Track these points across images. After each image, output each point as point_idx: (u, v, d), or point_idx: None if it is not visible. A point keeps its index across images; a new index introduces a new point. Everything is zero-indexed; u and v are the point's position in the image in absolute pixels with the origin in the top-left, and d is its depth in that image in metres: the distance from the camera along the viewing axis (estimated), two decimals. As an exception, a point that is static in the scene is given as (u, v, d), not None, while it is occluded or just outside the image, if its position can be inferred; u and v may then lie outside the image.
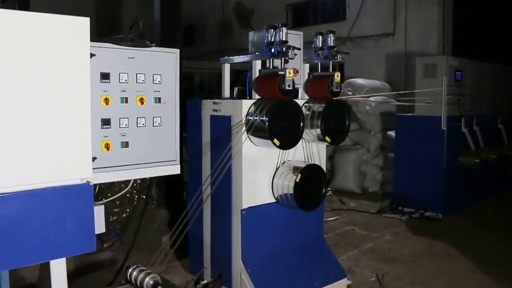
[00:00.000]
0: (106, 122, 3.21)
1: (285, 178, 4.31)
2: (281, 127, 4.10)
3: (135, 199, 6.86)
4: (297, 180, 4.19)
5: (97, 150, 3.16)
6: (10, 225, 2.38)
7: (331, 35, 4.46)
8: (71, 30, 2.56)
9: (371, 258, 5.62)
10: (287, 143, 4.19)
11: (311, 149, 4.65)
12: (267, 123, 3.97)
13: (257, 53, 4.28)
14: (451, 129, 7.18)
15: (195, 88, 13.32)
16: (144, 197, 6.91)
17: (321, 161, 4.74)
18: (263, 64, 4.32)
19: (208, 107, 4.56)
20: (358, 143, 9.27)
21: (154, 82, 3.41)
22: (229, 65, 4.66)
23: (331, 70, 4.50)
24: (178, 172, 3.61)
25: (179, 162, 3.61)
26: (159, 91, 3.43)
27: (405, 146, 7.63)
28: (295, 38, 4.48)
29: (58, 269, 2.76)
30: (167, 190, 6.10)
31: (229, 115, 4.30)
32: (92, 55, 2.98)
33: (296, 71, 4.44)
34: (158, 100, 3.43)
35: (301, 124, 4.24)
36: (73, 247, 2.71)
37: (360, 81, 9.31)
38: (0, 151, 2.32)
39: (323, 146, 4.79)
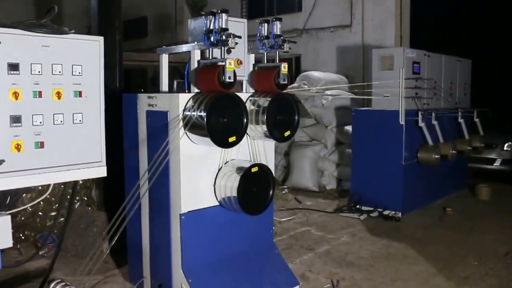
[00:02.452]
0: (16, 120, 2.77)
1: (228, 179, 3.93)
2: (221, 123, 3.71)
3: (75, 201, 6.35)
4: (241, 181, 3.81)
5: (6, 151, 2.74)
6: None
7: (278, 22, 4.08)
8: None
9: (326, 262, 5.29)
10: (230, 140, 3.80)
11: (257, 147, 4.27)
12: (205, 119, 3.57)
13: (195, 43, 3.86)
14: (409, 124, 6.94)
15: (148, 83, 12.80)
16: (85, 198, 6.46)
17: (269, 160, 4.37)
18: (203, 54, 3.92)
19: (144, 102, 4.14)
20: (315, 138, 8.97)
21: (73, 73, 2.98)
22: (167, 55, 4.23)
23: (277, 61, 4.12)
24: (104, 175, 3.20)
25: (105, 164, 3.18)
26: (79, 84, 3.01)
27: (362, 141, 7.35)
28: (238, 26, 4.09)
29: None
30: (108, 191, 5.61)
31: (166, 111, 3.89)
32: None
33: (240, 62, 4.06)
34: (79, 94, 3.01)
35: (245, 120, 3.85)
36: None
37: (316, 74, 9.00)
38: None
39: (270, 144, 4.43)
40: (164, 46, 4.24)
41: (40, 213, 6.07)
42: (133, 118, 4.24)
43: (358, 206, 7.24)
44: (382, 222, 6.80)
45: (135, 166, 4.25)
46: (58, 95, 2.90)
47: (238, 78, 4.15)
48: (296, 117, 4.21)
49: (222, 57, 3.68)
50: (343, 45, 10.95)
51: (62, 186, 6.57)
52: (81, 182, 6.58)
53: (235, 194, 3.82)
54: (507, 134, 9.83)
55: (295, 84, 8.90)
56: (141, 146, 4.19)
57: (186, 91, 4.02)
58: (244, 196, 3.85)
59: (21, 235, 5.76)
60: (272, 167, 4.38)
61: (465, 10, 10.43)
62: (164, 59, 4.22)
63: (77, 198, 6.36)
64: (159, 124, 3.93)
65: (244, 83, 4.28)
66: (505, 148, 9.68)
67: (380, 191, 7.15)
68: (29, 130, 2.80)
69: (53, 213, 6.05)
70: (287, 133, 4.17)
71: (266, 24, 4.14)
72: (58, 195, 6.43)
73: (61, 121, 2.92)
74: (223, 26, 3.62)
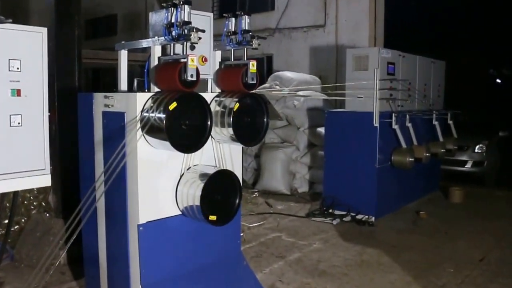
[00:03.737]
0: None
1: (190, 187, 3.61)
2: (182, 125, 3.40)
3: (33, 207, 5.95)
4: (204, 189, 3.50)
5: None
6: None
7: (246, 17, 3.79)
8: None
9: (298, 271, 5.02)
10: (191, 145, 3.49)
11: (223, 151, 3.97)
12: (164, 122, 3.25)
13: (156, 37, 3.55)
14: (383, 126, 6.75)
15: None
16: (43, 204, 6.06)
17: (236, 165, 4.07)
18: (164, 50, 3.60)
19: (100, 102, 3.79)
20: (287, 140, 8.71)
21: (10, 69, 2.64)
22: (126, 52, 3.90)
23: (245, 58, 3.83)
24: (48, 184, 2.88)
25: (49, 172, 2.85)
26: (18, 81, 2.67)
27: (335, 143, 7.12)
28: (203, 20, 3.79)
29: None
30: (65, 196, 5.23)
31: (123, 111, 3.55)
32: None
33: (204, 59, 3.77)
34: (17, 92, 2.67)
35: (208, 122, 3.55)
36: None
37: (288, 74, 8.74)
38: None
39: (237, 147, 4.13)
40: (122, 42, 3.90)
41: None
42: (89, 119, 3.89)
43: (330, 210, 7.01)
44: (355, 227, 6.58)
45: (91, 171, 3.90)
46: (-8, 94, 2.56)
47: (202, 76, 3.84)
48: (265, 119, 3.92)
49: (185, 53, 3.37)
50: (316, 45, 10.73)
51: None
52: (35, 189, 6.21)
53: (198, 203, 3.51)
54: (478, 135, 9.78)
55: (266, 85, 8.64)
56: (96, 150, 3.84)
57: (146, 91, 3.70)
58: (208, 205, 3.55)
59: (-31, 244, 5.32)
60: (239, 173, 4.09)
61: (439, 12, 10.34)
62: (123, 56, 3.88)
63: (34, 203, 5.96)
64: (116, 126, 3.59)
65: (209, 82, 3.98)
66: (476, 150, 9.61)
67: (353, 195, 6.93)
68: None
69: (6, 221, 5.64)
70: (255, 137, 3.88)
71: (233, 19, 3.84)
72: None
73: (-4, 124, 2.59)
74: (186, 19, 3.31)
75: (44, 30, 2.75)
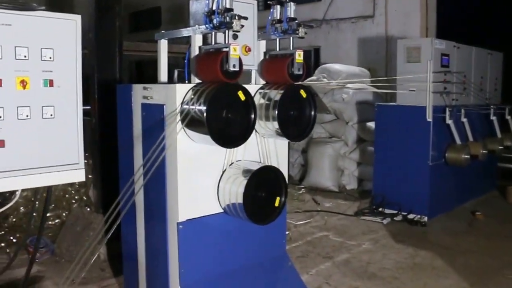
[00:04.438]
0: (-32, 113, 2.30)
1: (233, 183, 3.42)
2: (224, 119, 3.20)
3: (74, 201, 5.93)
4: (248, 186, 3.30)
5: None
6: None
7: (292, 4, 3.54)
8: None
9: (346, 273, 4.76)
10: (233, 139, 3.29)
11: (267, 146, 3.75)
12: (205, 114, 3.06)
13: (196, 26, 3.36)
14: (437, 121, 6.35)
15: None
16: (85, 198, 6.02)
17: (281, 161, 3.85)
18: (205, 40, 3.42)
19: (139, 94, 3.65)
20: (335, 135, 8.41)
21: (42, 59, 2.49)
22: (166, 41, 3.75)
23: (291, 48, 3.59)
24: (83, 179, 2.73)
25: (83, 166, 2.71)
26: (50, 71, 2.52)
27: (385, 139, 6.78)
28: (247, 8, 3.59)
29: None
30: (105, 191, 5.15)
31: (162, 103, 3.39)
32: None
33: (248, 49, 3.57)
34: (49, 83, 2.52)
35: (252, 115, 3.34)
36: None
37: (336, 66, 8.42)
38: None
39: (283, 142, 3.90)
40: (162, 31, 3.75)
41: (34, 214, 5.65)
42: (128, 111, 3.76)
43: (380, 209, 6.68)
44: (407, 227, 6.23)
45: (130, 165, 3.78)
46: (23, 84, 2.43)
47: (245, 67, 3.65)
48: (313, 112, 3.68)
49: (227, 42, 3.17)
50: (365, 36, 10.32)
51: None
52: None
53: (240, 200, 3.32)
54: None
55: (313, 77, 8.35)
56: (136, 143, 3.71)
57: (186, 82, 3.53)
58: (251, 203, 3.35)
59: (12, 237, 5.34)
60: (285, 169, 3.87)
61: (495, 1, 9.75)
62: (163, 46, 3.73)
63: (75, 197, 5.94)
64: (155, 119, 3.44)
65: (253, 73, 3.78)
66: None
67: (404, 193, 6.57)
68: (-15, 126, 2.36)
69: (48, 214, 5.64)
70: (301, 131, 3.65)
71: (278, 7, 3.61)
72: (55, 194, 6.04)
73: (27, 116, 2.46)
74: (227, 6, 3.11)
75: (78, 17, 2.59)
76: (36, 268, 4.91)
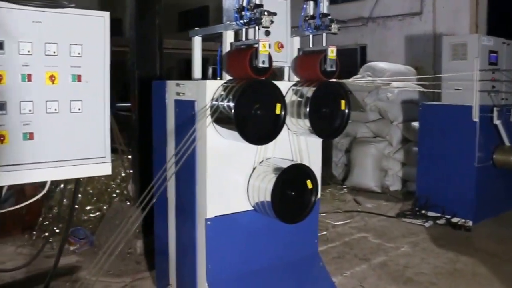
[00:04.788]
0: (0, 107, 2.38)
1: (262, 181, 3.39)
2: (253, 115, 3.18)
3: (115, 195, 6.07)
4: (277, 184, 3.27)
5: None
6: None
7: (325, -1, 3.47)
8: None
9: (381, 276, 4.64)
10: (262, 136, 3.26)
11: (300, 144, 3.70)
12: (233, 110, 3.05)
13: (228, 22, 3.35)
14: (484, 121, 6.09)
15: (209, 73, 12.47)
16: (125, 192, 6.14)
17: (314, 159, 3.79)
18: (237, 36, 3.40)
19: (173, 90, 3.68)
20: (379, 135, 8.22)
21: (71, 54, 2.56)
22: (200, 38, 3.76)
23: (324, 44, 3.52)
24: (109, 172, 2.77)
25: (109, 160, 2.75)
26: (79, 67, 2.58)
27: (429, 139, 6.56)
28: (280, 4, 3.55)
29: None
30: (143, 185, 5.23)
31: (193, 100, 3.41)
32: None
33: (280, 46, 3.53)
34: (78, 78, 2.58)
35: (282, 112, 3.30)
36: None
37: (381, 64, 8.22)
38: None
39: (317, 141, 3.84)
40: (196, 28, 3.76)
41: (76, 206, 5.83)
42: (162, 107, 3.81)
43: (423, 211, 6.47)
44: (450, 231, 6.01)
45: (163, 161, 3.81)
46: (52, 79, 2.49)
47: (279, 64, 3.63)
48: (346, 111, 3.60)
49: (256, 38, 3.14)
50: (412, 34, 10.02)
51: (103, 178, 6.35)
52: (123, 174, 6.32)
53: (268, 198, 3.28)
54: None
55: (358, 76, 8.20)
56: (169, 139, 3.74)
57: (218, 78, 3.53)
58: (280, 202, 3.31)
59: (55, 228, 5.52)
60: (317, 168, 3.81)
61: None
62: (197, 42, 3.74)
63: (117, 191, 6.07)
64: (187, 115, 3.46)
65: (287, 70, 3.73)
66: None
67: (449, 196, 6.34)
68: (15, 119, 2.43)
69: (88, 207, 5.79)
70: (334, 130, 3.58)
71: (312, 2, 3.55)
72: (97, 188, 6.20)
73: (55, 110, 2.53)
74: (257, 2, 3.08)
75: (106, 14, 2.64)
76: (74, 258, 5.06)
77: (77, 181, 2.95)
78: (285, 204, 3.37)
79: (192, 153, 3.39)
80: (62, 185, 5.99)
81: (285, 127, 3.55)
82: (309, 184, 3.43)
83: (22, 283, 4.43)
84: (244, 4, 3.14)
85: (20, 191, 5.29)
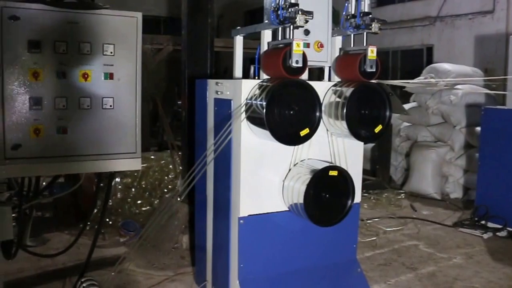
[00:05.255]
0: (36, 102, 2.51)
1: (296, 182, 3.35)
2: (286, 116, 3.14)
3: (166, 190, 6.22)
4: (310, 185, 3.21)
5: (24, 135, 2.51)
6: None
7: (366, -4, 3.38)
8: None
9: (427, 287, 4.44)
10: (296, 137, 3.22)
11: (338, 147, 3.62)
12: (264, 110, 3.03)
13: (266, 21, 3.34)
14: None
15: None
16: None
17: (354, 162, 3.69)
18: (274, 35, 3.38)
19: (213, 89, 3.72)
20: (440, 139, 7.89)
21: (104, 53, 2.65)
22: (241, 38, 3.76)
23: (364, 44, 3.42)
24: (139, 168, 2.85)
25: (140, 156, 2.82)
26: (111, 65, 2.67)
27: (492, 146, 6.19)
28: (321, 3, 3.49)
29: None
30: (191, 182, 5.32)
31: (230, 98, 3.43)
32: (15, 18, 2.34)
33: (320, 45, 3.47)
34: (110, 76, 2.67)
35: (317, 113, 3.23)
36: None
37: (446, 66, 7.87)
38: None
39: (358, 143, 3.73)
40: (238, 27, 3.77)
41: (129, 200, 6.03)
42: (203, 106, 3.85)
43: (483, 222, 6.13)
44: (510, 245, 5.66)
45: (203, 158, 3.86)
46: (85, 76, 2.59)
47: (319, 64, 3.58)
48: (387, 113, 3.48)
49: (291, 37, 3.10)
50: (483, 34, 9.52)
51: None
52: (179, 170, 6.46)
53: (301, 200, 3.24)
54: None
55: (421, 77, 7.91)
56: (209, 137, 3.78)
57: (256, 77, 3.53)
58: (313, 204, 3.26)
59: (108, 220, 5.73)
60: (357, 172, 3.73)
61: None
62: (238, 42, 3.75)
63: (169, 187, 6.22)
64: (224, 114, 3.48)
65: (326, 70, 3.66)
66: None
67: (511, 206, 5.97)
68: (50, 114, 2.55)
69: (140, 201, 5.97)
70: (373, 132, 3.46)
71: (354, 1, 3.46)
72: (150, 183, 6.38)
73: (88, 106, 2.63)
74: (292, 1, 3.04)
75: (139, 14, 2.71)
76: (123, 249, 5.24)
77: (111, 175, 3.05)
78: (319, 206, 3.32)
79: (228, 151, 3.42)
80: (118, 179, 6.25)
81: (324, 128, 3.51)
82: (333, 172, 3.31)
83: (71, 270, 4.62)
84: (281, 3, 3.11)
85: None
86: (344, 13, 3.51)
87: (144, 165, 6.54)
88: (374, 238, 5.69)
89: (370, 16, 3.34)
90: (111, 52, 2.66)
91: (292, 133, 3.19)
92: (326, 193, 3.35)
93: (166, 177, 6.32)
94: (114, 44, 2.67)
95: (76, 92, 2.61)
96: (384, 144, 8.20)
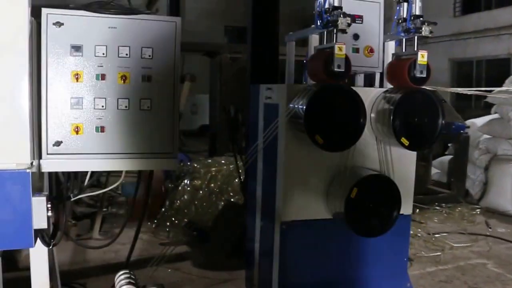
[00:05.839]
0: (77, 102, 2.68)
1: (340, 189, 3.28)
2: (327, 121, 3.09)
3: (232, 194, 6.32)
4: (351, 195, 3.14)
5: (65, 133, 2.69)
6: None
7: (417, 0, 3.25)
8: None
9: (488, 309, 4.17)
10: (338, 144, 3.16)
11: (388, 155, 3.50)
12: (303, 115, 3.01)
13: (313, 26, 3.32)
14: None
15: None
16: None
17: (404, 172, 3.55)
18: (321, 39, 3.35)
19: (263, 93, 3.75)
20: (523, 153, 7.37)
21: (142, 56, 2.76)
22: (293, 43, 3.76)
23: (415, 48, 3.29)
24: (174, 168, 2.94)
25: (177, 156, 2.90)
26: (149, 68, 2.78)
27: None
28: (372, 7, 3.41)
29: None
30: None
31: (277, 103, 3.44)
32: (59, 24, 2.51)
33: (370, 50, 3.39)
34: (147, 78, 2.79)
35: (361, 119, 3.15)
36: (6, 241, 2.50)
37: (529, 75, 7.37)
38: None
39: (410, 152, 3.58)
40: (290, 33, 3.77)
41: (196, 202, 6.18)
42: (256, 110, 3.89)
43: None
44: None
45: (255, 163, 3.89)
46: (124, 79, 2.72)
47: (369, 69, 3.50)
48: (440, 121, 3.31)
49: (334, 41, 3.06)
50: None
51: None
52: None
53: (343, 209, 3.17)
54: None
55: (502, 88, 7.45)
56: (260, 140, 3.81)
57: (304, 82, 3.51)
58: (355, 212, 3.19)
59: (174, 219, 5.93)
60: (410, 182, 3.59)
61: None
62: (290, 47, 3.75)
63: (236, 190, 6.30)
64: (272, 118, 3.49)
65: (377, 76, 3.57)
66: None
67: None
68: (90, 113, 2.70)
69: (207, 203, 6.10)
70: (423, 141, 3.32)
71: (405, 4, 3.34)
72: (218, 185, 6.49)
73: (126, 106, 2.75)
74: (335, 4, 3.00)
75: (178, 19, 2.80)
76: (184, 248, 5.39)
77: (150, 174, 3.16)
78: (361, 216, 3.23)
79: (273, 156, 3.44)
80: (187, 181, 6.44)
81: (373, 136, 3.42)
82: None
83: (132, 264, 4.82)
84: (326, 7, 3.08)
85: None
86: (395, 17, 3.40)
87: (214, 168, 6.71)
88: (439, 253, 5.42)
89: (421, 19, 3.21)
90: (149, 56, 2.76)
91: (333, 139, 3.13)
92: (370, 202, 3.25)
93: (235, 181, 6.40)
94: (152, 47, 2.76)
95: (115, 94, 2.73)
96: (461, 156, 7.80)
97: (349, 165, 3.41)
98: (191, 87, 10.24)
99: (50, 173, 2.94)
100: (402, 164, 3.56)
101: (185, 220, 5.87)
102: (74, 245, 5.08)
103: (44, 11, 2.58)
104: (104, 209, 6.26)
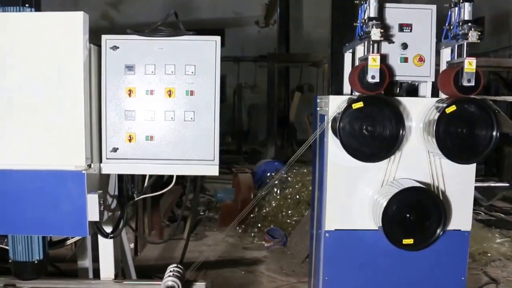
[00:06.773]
0: (130, 114, 3.08)
1: (383, 200, 3.25)
2: (360, 131, 3.10)
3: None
4: (390, 204, 3.11)
5: (120, 141, 3.11)
6: (13, 197, 2.87)
7: (467, 4, 3.10)
8: (64, 26, 2.80)
9: None
10: (374, 154, 3.14)
11: (437, 167, 3.36)
12: (338, 125, 3.08)
13: (358, 37, 3.34)
14: None
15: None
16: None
17: (460, 185, 3.38)
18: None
19: (319, 104, 3.84)
20: None
21: (186, 73, 3.08)
22: (350, 54, 3.79)
23: (464, 55, 3.13)
24: (216, 173, 3.19)
25: (217, 163, 3.16)
26: (192, 83, 3.09)
27: None
28: (423, 13, 3.33)
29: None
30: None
31: (324, 114, 3.52)
32: (115, 47, 2.94)
33: (420, 59, 3.33)
34: (190, 93, 3.10)
35: (401, 131, 3.10)
36: (66, 229, 3.02)
37: None
38: (9, 136, 2.84)
39: (466, 166, 3.39)
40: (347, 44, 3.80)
41: (283, 209, 6.36)
42: (315, 121, 3.99)
43: None
44: None
45: (314, 172, 3.98)
46: (169, 93, 3.05)
47: (419, 79, 3.42)
48: (493, 132, 3.11)
49: (369, 52, 3.06)
50: None
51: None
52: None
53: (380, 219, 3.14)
54: None
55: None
56: (314, 149, 3.91)
57: (352, 94, 3.53)
58: (394, 223, 3.15)
59: (259, 225, 6.17)
60: (467, 196, 3.41)
61: None
62: (347, 58, 3.78)
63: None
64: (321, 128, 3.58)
65: (428, 85, 3.45)
66: None
67: None
68: (140, 124, 3.08)
69: (291, 211, 6.25)
70: (470, 153, 3.15)
71: (456, 9, 3.20)
72: (306, 194, 6.60)
73: (172, 118, 3.08)
74: (371, 15, 3.01)
75: (218, 38, 3.04)
76: (264, 253, 5.60)
77: (196, 178, 3.45)
78: (402, 229, 3.17)
79: (321, 165, 3.51)
80: (277, 190, 6.67)
81: (424, 147, 3.33)
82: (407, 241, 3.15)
83: (208, 264, 5.16)
84: (365, 18, 3.10)
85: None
86: (447, 22, 3.28)
87: (307, 178, 6.85)
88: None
89: (469, 24, 3.06)
90: (192, 72, 3.04)
91: (371, 150, 3.13)
92: (412, 215, 3.17)
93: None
94: (195, 64, 3.04)
95: (162, 107, 3.06)
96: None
97: (394, 176, 3.35)
98: (301, 98, 10.41)
99: (120, 176, 3.41)
100: (457, 177, 3.39)
101: (271, 226, 6.08)
102: (165, 244, 5.57)
103: (104, 37, 3.01)
104: (201, 213, 6.74)
